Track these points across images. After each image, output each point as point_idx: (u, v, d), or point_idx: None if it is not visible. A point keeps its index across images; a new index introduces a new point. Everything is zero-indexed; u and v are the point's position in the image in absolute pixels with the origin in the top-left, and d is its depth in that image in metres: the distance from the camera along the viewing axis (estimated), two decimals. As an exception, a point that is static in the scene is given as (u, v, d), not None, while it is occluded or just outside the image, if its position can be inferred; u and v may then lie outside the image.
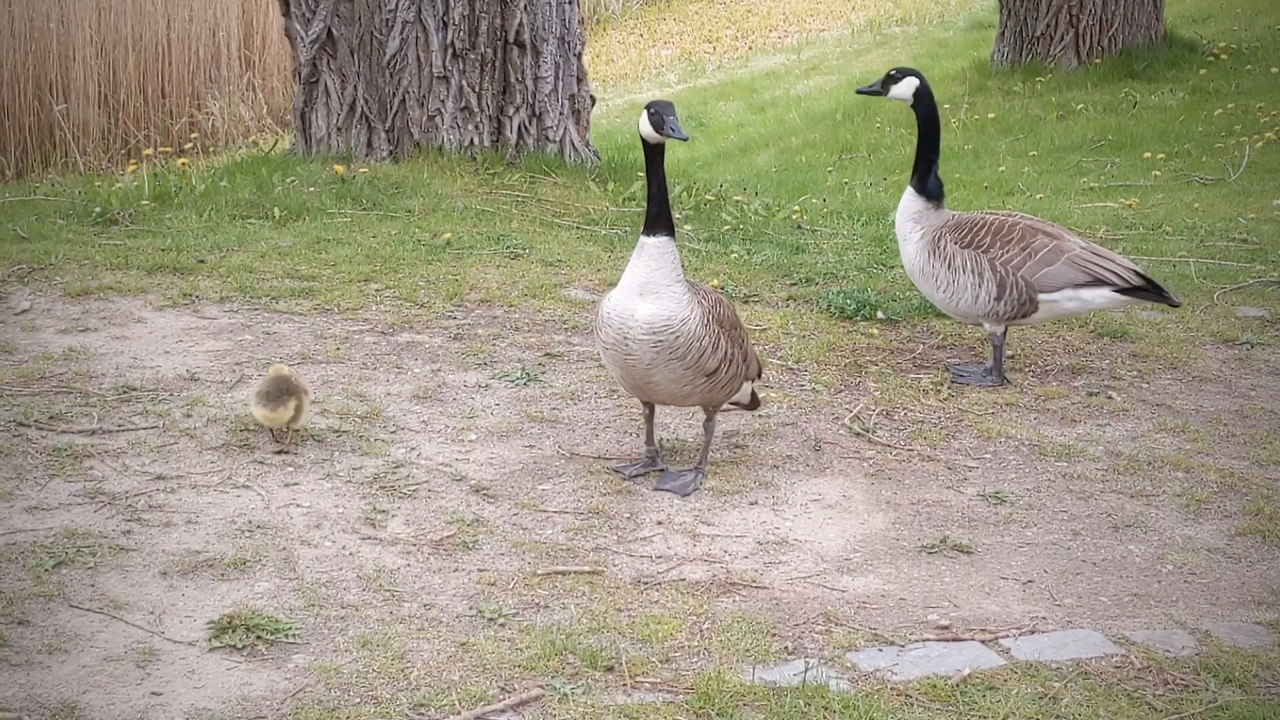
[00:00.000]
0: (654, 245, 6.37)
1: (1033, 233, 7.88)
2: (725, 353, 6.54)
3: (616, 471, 6.83)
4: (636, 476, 6.80)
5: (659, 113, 6.34)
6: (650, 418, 6.89)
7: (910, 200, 8.02)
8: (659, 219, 6.37)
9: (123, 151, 19.08)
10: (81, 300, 8.53)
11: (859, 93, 8.69)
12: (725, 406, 7.07)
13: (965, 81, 19.57)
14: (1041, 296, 7.81)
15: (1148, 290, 7.84)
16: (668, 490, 6.69)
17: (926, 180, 7.99)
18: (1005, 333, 8.09)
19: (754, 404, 7.25)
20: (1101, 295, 7.84)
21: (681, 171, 13.67)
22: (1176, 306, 8.32)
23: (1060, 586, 6.02)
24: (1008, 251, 7.81)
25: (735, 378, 6.67)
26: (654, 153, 6.44)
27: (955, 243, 7.87)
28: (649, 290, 6.38)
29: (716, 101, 22.02)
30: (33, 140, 18.92)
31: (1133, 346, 8.66)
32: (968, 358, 8.43)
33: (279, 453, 6.85)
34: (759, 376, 7.06)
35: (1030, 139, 16.39)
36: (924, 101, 8.01)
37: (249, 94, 20.97)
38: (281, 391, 6.85)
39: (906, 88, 8.01)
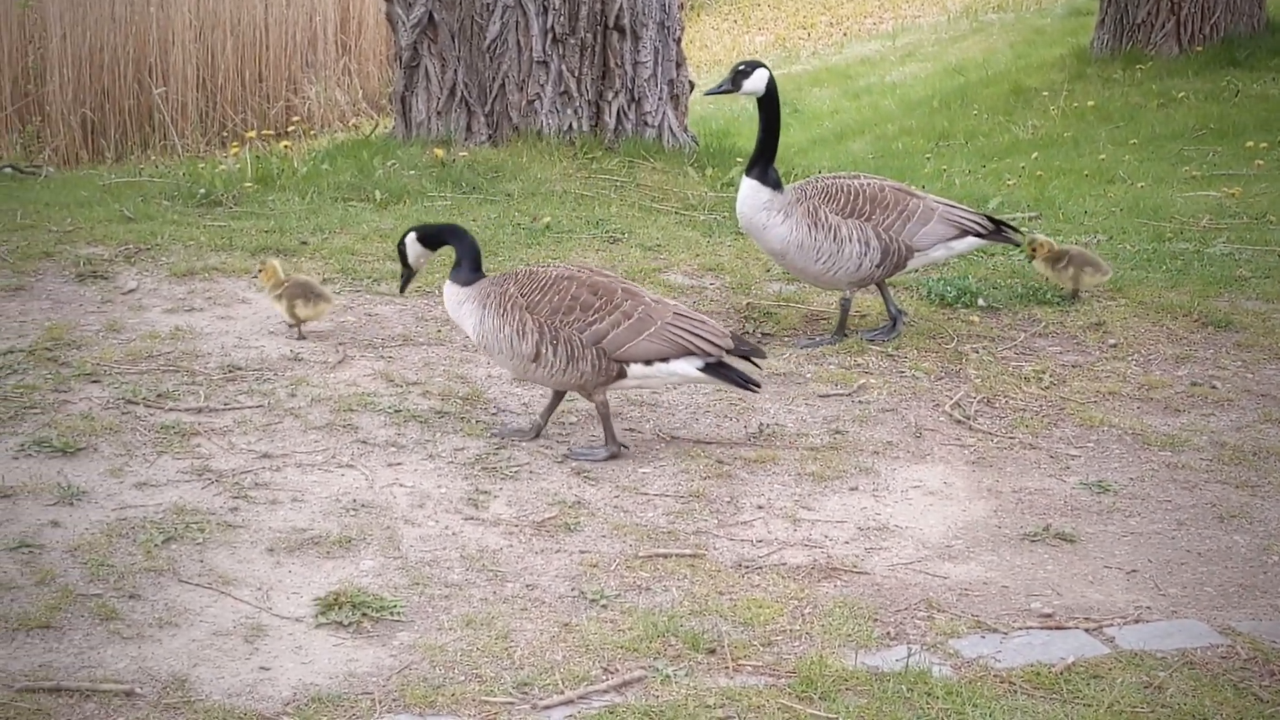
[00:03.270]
0: None
1: (902, 195, 8.23)
2: (537, 338, 6.62)
3: (490, 429, 6.98)
4: (507, 435, 6.94)
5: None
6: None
7: (756, 191, 8.12)
8: None
9: (220, 135, 19.25)
10: (187, 280, 8.64)
11: (707, 94, 9.03)
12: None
13: (1064, 69, 19.39)
14: (916, 253, 8.20)
15: (999, 232, 8.37)
16: (581, 459, 6.77)
17: (767, 172, 8.12)
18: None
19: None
20: (966, 243, 8.36)
21: (778, 157, 13.59)
22: (1018, 246, 8.86)
23: (1165, 576, 5.97)
24: (888, 217, 8.14)
25: (576, 362, 6.66)
26: None
27: (836, 213, 8.09)
28: None
29: (811, 88, 21.93)
30: (132, 123, 19.12)
31: (1237, 336, 8.56)
32: (1069, 345, 8.37)
33: (299, 337, 7.86)
34: (685, 354, 6.68)
35: (1130, 127, 16.21)
36: (773, 95, 8.09)
37: (345, 78, 21.08)
38: (312, 285, 7.80)
39: (759, 80, 8.05)
